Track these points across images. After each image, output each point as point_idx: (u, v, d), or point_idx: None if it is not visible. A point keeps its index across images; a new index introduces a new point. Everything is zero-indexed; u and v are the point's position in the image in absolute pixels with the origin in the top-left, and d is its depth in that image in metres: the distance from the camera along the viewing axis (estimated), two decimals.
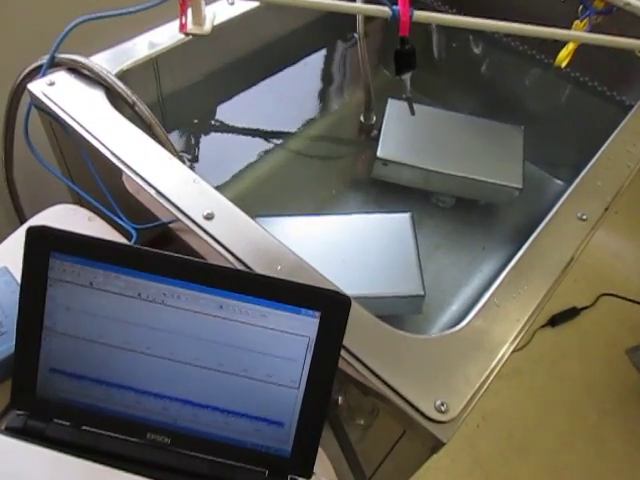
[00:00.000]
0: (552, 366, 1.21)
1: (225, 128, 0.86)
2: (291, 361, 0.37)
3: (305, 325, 0.36)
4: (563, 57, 0.74)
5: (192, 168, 0.72)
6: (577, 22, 0.73)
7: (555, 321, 1.27)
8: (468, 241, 0.79)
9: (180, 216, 0.50)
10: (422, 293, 0.66)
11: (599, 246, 1.42)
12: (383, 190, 0.82)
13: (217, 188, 0.53)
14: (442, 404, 0.40)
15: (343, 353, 0.42)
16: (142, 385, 0.38)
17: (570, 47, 0.73)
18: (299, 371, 0.37)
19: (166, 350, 0.37)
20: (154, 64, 0.69)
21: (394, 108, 0.84)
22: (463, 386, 0.41)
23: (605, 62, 0.86)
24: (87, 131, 0.56)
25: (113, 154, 0.54)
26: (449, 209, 0.82)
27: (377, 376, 0.41)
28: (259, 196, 0.80)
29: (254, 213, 0.51)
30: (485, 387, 0.42)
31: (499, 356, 0.44)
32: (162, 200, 0.51)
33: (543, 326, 1.25)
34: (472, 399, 0.41)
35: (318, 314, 0.36)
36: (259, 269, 0.46)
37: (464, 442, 1.06)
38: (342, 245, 0.68)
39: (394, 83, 0.94)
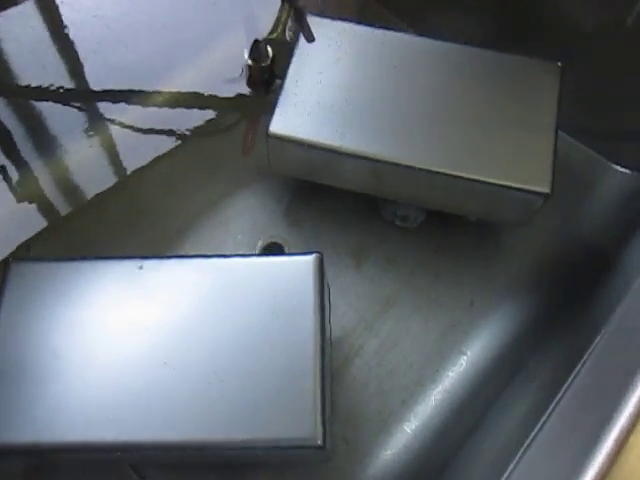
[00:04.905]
0: None
1: None
2: None
3: None
4: None
5: None
6: None
7: None
8: (445, 290, 0.47)
9: None
10: (320, 442, 0.34)
11: None
12: (298, 197, 0.49)
13: None
14: None
15: None
16: None
17: None
18: None
19: None
20: None
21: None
22: None
23: None
24: None
25: None
26: (414, 231, 0.48)
27: None
28: (43, 220, 0.46)
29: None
30: None
31: None
32: None
33: None
34: None
35: None
36: None
37: None
38: (168, 326, 0.36)
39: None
